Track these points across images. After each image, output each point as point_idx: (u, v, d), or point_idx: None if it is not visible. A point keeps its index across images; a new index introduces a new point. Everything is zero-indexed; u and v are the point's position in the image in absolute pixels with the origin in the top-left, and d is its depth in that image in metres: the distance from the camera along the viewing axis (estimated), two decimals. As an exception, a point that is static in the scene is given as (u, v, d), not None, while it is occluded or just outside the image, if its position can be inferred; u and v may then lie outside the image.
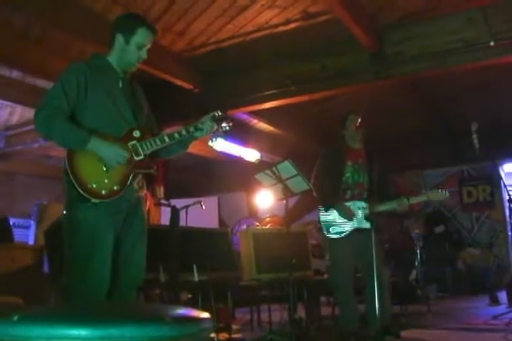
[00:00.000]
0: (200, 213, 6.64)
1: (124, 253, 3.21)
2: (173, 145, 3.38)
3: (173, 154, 3.57)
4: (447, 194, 4.86)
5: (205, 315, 1.28)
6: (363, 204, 4.95)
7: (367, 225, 4.75)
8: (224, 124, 3.47)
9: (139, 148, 3.20)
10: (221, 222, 10.37)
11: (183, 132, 3.31)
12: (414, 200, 4.90)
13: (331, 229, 5.06)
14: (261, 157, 8.60)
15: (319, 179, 5.16)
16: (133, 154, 3.18)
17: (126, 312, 1.26)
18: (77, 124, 3.10)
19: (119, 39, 3.26)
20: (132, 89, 3.40)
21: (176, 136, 3.29)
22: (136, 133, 3.23)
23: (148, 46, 3.31)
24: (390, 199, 4.95)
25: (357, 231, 4.92)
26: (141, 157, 3.21)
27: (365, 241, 4.68)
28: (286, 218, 5.33)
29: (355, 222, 4.95)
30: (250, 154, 8.64)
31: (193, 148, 8.42)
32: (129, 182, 3.16)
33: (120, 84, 3.29)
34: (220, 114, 3.41)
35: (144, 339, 1.07)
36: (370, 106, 7.58)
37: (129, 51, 3.26)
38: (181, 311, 1.21)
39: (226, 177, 10.48)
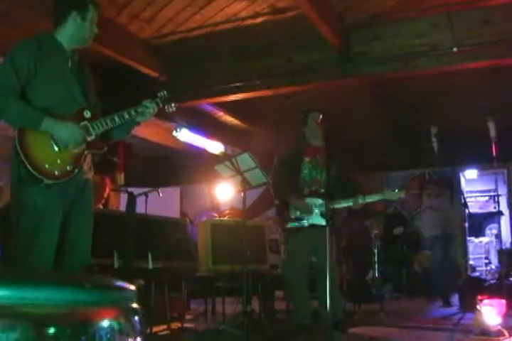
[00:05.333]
0: (161, 204, 6.62)
1: (69, 236, 3.17)
2: (115, 130, 3.37)
3: (116, 138, 3.56)
4: (403, 194, 4.95)
5: (129, 285, 1.30)
6: (319, 201, 5.01)
7: (322, 222, 4.80)
8: (171, 105, 3.52)
9: (90, 128, 3.19)
10: (183, 213, 10.35)
11: (132, 112, 3.30)
12: (370, 199, 4.97)
13: (287, 224, 5.12)
14: (225, 150, 8.61)
15: (277, 175, 5.23)
16: (85, 135, 3.18)
17: (46, 276, 1.27)
18: (27, 103, 3.08)
19: (76, 17, 3.24)
20: (81, 69, 3.38)
21: (126, 115, 3.28)
22: (87, 113, 3.22)
23: (95, 21, 3.31)
24: (348, 196, 5.01)
25: (312, 228, 4.98)
26: (93, 137, 3.20)
27: (319, 238, 4.72)
28: (243, 211, 5.35)
29: (310, 218, 5.00)
30: (214, 146, 8.64)
31: (158, 138, 8.45)
32: (80, 163, 3.16)
33: (69, 64, 3.26)
34: (165, 94, 3.44)
35: (61, 303, 1.08)
36: (336, 106, 7.68)
37: (86, 27, 3.26)
38: (105, 279, 1.23)
39: (190, 169, 10.46)
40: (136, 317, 1.25)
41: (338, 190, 4.98)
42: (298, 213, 5.06)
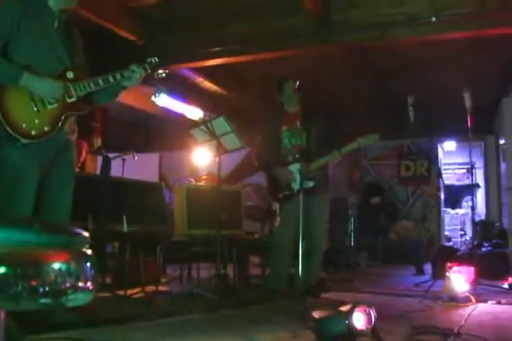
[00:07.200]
0: (140, 170, 6.63)
1: (48, 197, 3.21)
2: (101, 93, 3.38)
3: (101, 102, 3.56)
4: (378, 138, 4.96)
5: (81, 231, 1.34)
6: (299, 165, 5.07)
7: (308, 184, 4.87)
8: (160, 71, 3.49)
9: (72, 89, 3.19)
10: (162, 178, 10.36)
11: (118, 76, 3.30)
12: (346, 149, 5.00)
13: (279, 194, 5.21)
14: (204, 116, 8.60)
15: (260, 146, 5.37)
16: (65, 96, 3.17)
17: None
18: (8, 60, 3.06)
19: None
20: (68, 30, 3.36)
21: (111, 79, 3.27)
22: (70, 74, 3.21)
23: None
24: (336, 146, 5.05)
25: (301, 192, 5.02)
26: (74, 99, 3.20)
27: (310, 203, 4.77)
28: (218, 175, 5.39)
29: (296, 183, 5.06)
30: (193, 112, 8.62)
31: (137, 103, 8.39)
32: (60, 123, 3.16)
33: (56, 24, 3.25)
34: (156, 60, 3.41)
35: (10, 243, 1.11)
36: (315, 74, 7.67)
37: None
38: (56, 223, 1.26)
39: (169, 135, 10.45)
40: (88, 263, 1.28)
41: (322, 149, 5.05)
42: (285, 181, 5.14)
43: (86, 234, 1.37)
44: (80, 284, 1.25)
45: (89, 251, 1.33)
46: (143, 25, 6.61)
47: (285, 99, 5.27)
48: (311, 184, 4.87)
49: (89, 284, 1.28)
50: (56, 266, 1.18)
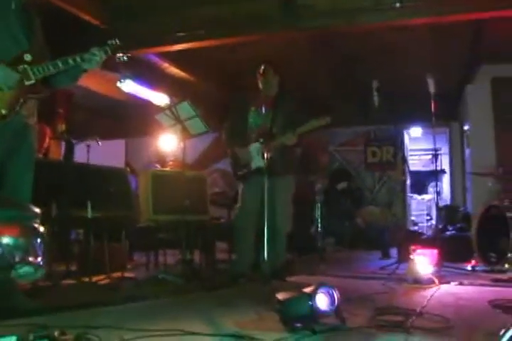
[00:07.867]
0: (106, 155, 6.54)
1: (8, 182, 3.15)
2: (61, 76, 3.33)
3: (61, 84, 3.51)
4: (329, 120, 5.00)
5: (32, 206, 1.32)
6: (258, 144, 5.10)
7: (264, 164, 4.86)
8: (121, 54, 3.44)
9: (30, 72, 3.14)
10: (127, 164, 10.26)
11: (78, 58, 3.25)
12: (300, 130, 5.03)
13: (238, 172, 5.24)
14: (170, 102, 8.54)
15: (227, 125, 5.41)
16: (23, 79, 3.12)
17: None
18: None
19: None
20: (26, 12, 3.31)
21: (70, 61, 3.23)
22: (27, 57, 3.16)
23: None
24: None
25: (260, 173, 5.02)
26: (32, 82, 3.15)
27: (272, 182, 4.74)
28: (183, 160, 5.39)
29: (254, 162, 5.09)
30: (159, 98, 8.56)
31: (102, 89, 8.30)
32: (17, 107, 3.11)
33: (13, 6, 3.20)
34: (117, 42, 3.37)
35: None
36: (281, 59, 7.64)
37: None
38: (7, 199, 1.25)
39: (135, 121, 10.39)
40: (38, 238, 1.27)
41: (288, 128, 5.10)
42: (244, 160, 5.17)
43: (37, 209, 1.36)
44: (30, 259, 1.24)
45: (41, 228, 1.33)
46: (105, 9, 6.48)
47: (259, 82, 5.33)
48: (266, 163, 4.85)
49: (39, 259, 1.27)
50: (4, 239, 1.17)
